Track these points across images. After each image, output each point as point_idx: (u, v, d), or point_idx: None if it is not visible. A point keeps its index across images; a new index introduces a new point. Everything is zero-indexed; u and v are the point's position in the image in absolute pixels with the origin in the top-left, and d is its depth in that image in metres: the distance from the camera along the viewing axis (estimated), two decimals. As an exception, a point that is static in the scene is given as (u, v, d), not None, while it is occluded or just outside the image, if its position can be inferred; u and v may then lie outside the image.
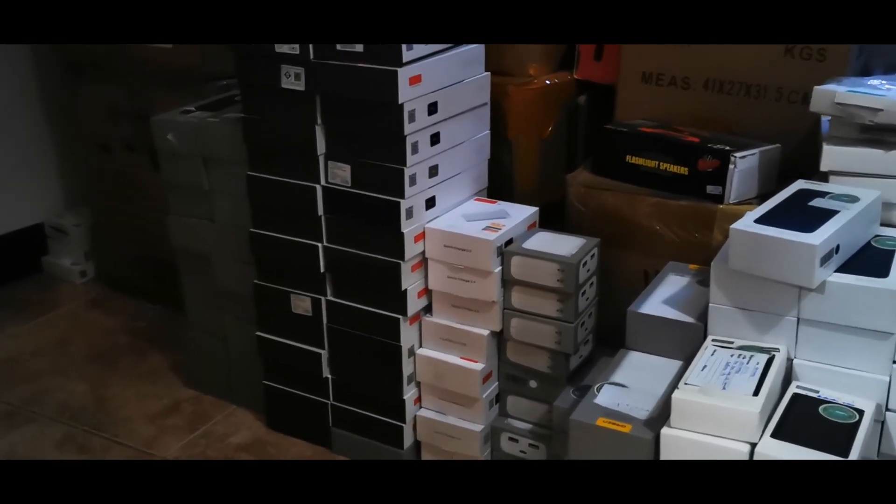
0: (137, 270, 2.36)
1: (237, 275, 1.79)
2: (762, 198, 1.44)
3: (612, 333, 1.51)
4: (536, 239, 1.58)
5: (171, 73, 2.04)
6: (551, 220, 1.69)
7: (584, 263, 1.52)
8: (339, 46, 1.47)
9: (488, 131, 1.71)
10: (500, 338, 1.61)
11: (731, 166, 1.51)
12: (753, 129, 1.63)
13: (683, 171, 1.57)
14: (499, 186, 1.79)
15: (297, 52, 1.50)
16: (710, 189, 1.54)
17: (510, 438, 1.63)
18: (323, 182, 1.58)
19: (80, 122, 2.34)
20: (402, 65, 1.44)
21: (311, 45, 1.49)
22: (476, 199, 1.71)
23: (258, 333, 1.76)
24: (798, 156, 1.57)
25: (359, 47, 1.45)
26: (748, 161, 1.53)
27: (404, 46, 1.43)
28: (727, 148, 1.53)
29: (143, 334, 2.22)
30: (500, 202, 1.69)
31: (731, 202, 1.53)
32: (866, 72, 1.73)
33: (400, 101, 1.45)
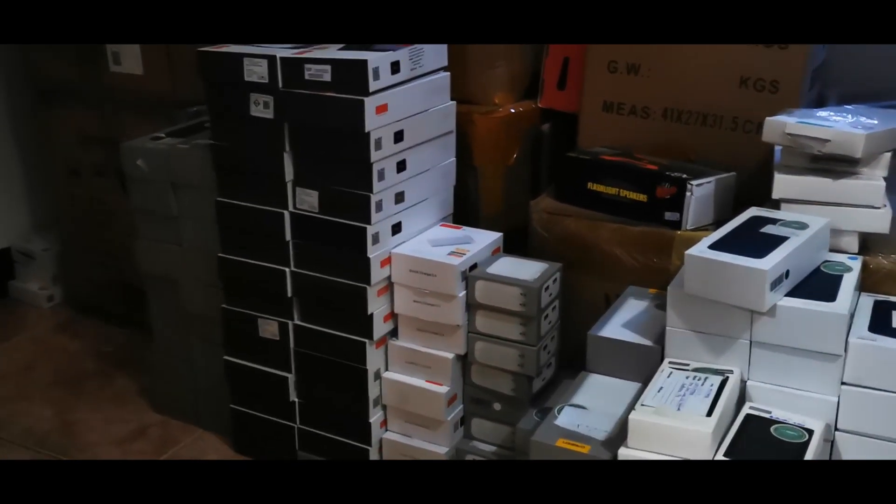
0: (105, 295, 2.36)
1: (205, 299, 1.80)
2: (718, 224, 1.48)
3: (574, 356, 1.55)
4: (500, 264, 1.61)
5: (142, 100, 2.06)
6: (516, 245, 1.73)
7: (547, 288, 1.55)
8: (307, 75, 1.50)
9: (454, 159, 1.75)
10: (464, 361, 1.63)
11: (687, 193, 1.56)
12: (710, 158, 1.68)
13: (642, 197, 1.62)
14: (465, 212, 1.83)
15: (266, 81, 1.53)
16: (668, 215, 1.59)
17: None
18: (291, 208, 1.61)
19: (50, 147, 2.34)
20: (368, 94, 1.47)
21: (279, 74, 1.52)
22: (441, 225, 1.74)
23: (225, 357, 1.78)
24: (753, 183, 1.62)
25: (327, 76, 1.48)
26: (704, 188, 1.58)
27: (371, 76, 1.47)
28: (684, 175, 1.58)
29: (110, 359, 2.22)
30: (465, 228, 1.72)
31: (688, 228, 1.57)
32: (821, 103, 1.80)
33: (366, 130, 1.48)
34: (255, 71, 1.52)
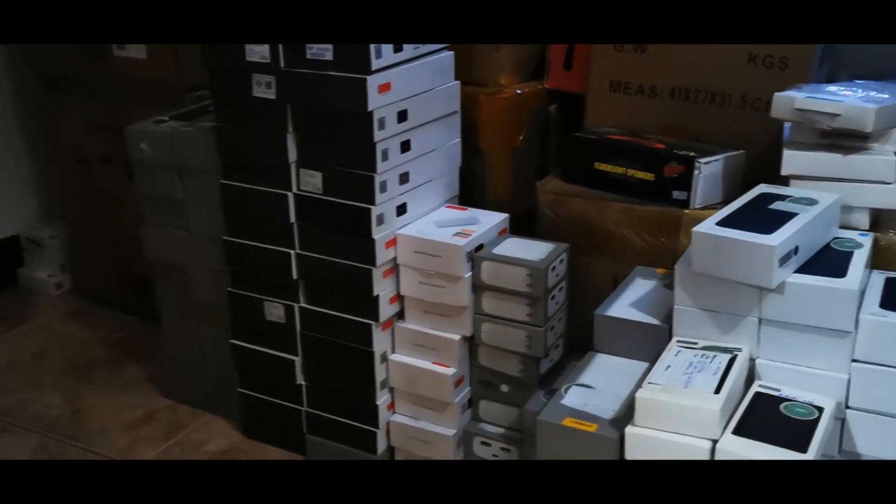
0: (113, 282, 2.36)
1: (212, 284, 1.80)
2: (727, 202, 1.46)
3: (582, 338, 1.53)
4: (506, 245, 1.60)
5: (147, 86, 2.05)
6: (524, 227, 1.71)
7: (553, 268, 1.54)
8: (308, 55, 1.49)
9: (459, 139, 1.73)
10: (471, 342, 1.62)
11: (695, 172, 1.54)
12: (719, 136, 1.66)
13: (650, 177, 1.60)
14: (472, 196, 1.82)
15: (268, 61, 1.52)
16: (675, 194, 1.57)
17: (482, 442, 1.64)
18: (295, 189, 1.60)
19: (56, 135, 2.35)
20: (371, 73, 1.46)
21: (281, 54, 1.51)
22: (447, 206, 1.73)
23: (232, 341, 1.77)
24: (762, 162, 1.60)
25: (328, 55, 1.47)
26: (712, 167, 1.56)
27: (373, 55, 1.45)
28: (692, 154, 1.56)
29: (118, 346, 2.22)
30: (470, 209, 1.71)
31: (696, 207, 1.56)
32: (831, 81, 1.77)
33: (369, 109, 1.47)
34: (257, 51, 1.51)
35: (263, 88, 1.53)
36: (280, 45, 1.50)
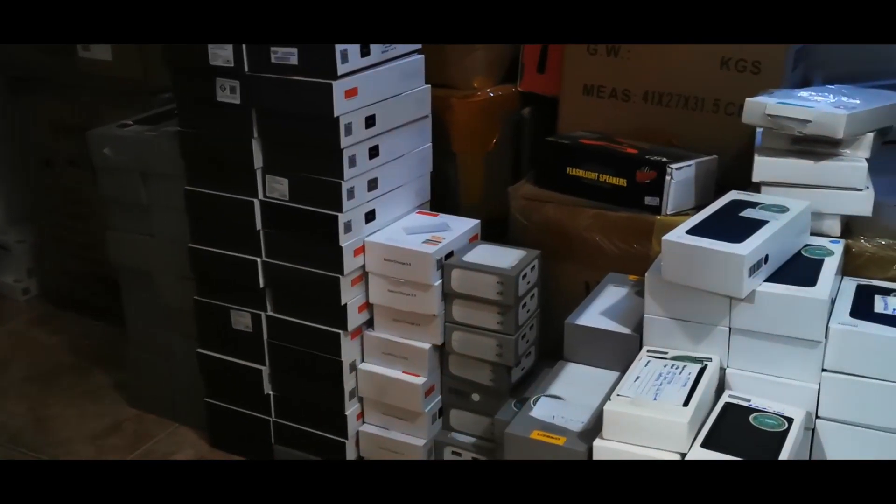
0: (82, 287, 2.32)
1: (179, 291, 1.76)
2: (700, 208, 1.45)
3: (555, 346, 1.51)
4: (477, 252, 1.58)
5: (114, 87, 2.01)
6: (497, 233, 1.69)
7: (524, 276, 1.51)
8: (273, 59, 1.46)
9: (430, 144, 1.71)
10: (442, 351, 1.60)
11: (667, 178, 1.52)
12: (692, 141, 1.65)
13: (622, 182, 1.58)
14: (444, 201, 1.79)
15: (232, 65, 1.48)
16: (648, 200, 1.55)
17: (453, 452, 1.62)
18: (261, 196, 1.57)
19: (22, 137, 2.30)
20: (337, 78, 1.43)
21: (245, 58, 1.47)
22: (418, 213, 1.70)
23: (199, 350, 1.74)
24: (736, 167, 1.59)
25: (293, 59, 1.44)
26: (684, 172, 1.54)
27: (339, 59, 1.42)
28: (664, 159, 1.54)
29: (86, 353, 2.18)
30: (441, 215, 1.68)
31: (668, 213, 1.54)
32: (805, 84, 1.76)
33: (336, 115, 1.44)
34: (221, 55, 1.48)
35: (227, 93, 1.50)
36: (244, 50, 1.47)
